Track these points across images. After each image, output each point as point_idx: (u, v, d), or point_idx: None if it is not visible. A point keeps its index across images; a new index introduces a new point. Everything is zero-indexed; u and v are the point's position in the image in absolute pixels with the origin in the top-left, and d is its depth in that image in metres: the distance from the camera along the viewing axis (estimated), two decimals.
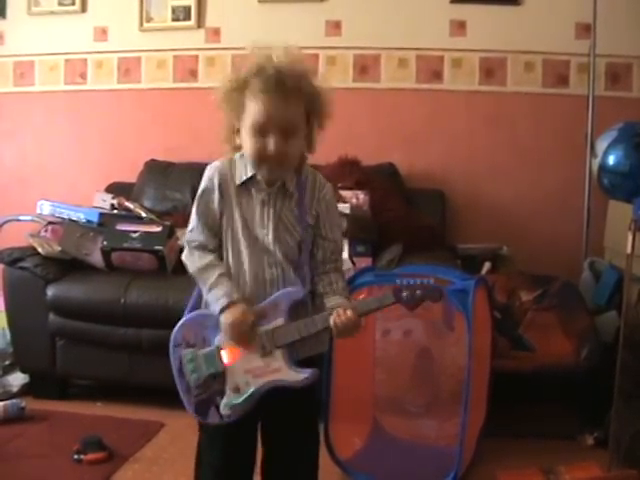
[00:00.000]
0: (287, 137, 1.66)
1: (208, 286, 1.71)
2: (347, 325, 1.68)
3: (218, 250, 1.76)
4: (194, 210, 1.78)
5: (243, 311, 1.68)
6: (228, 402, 1.72)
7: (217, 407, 1.73)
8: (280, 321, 1.71)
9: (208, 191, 1.75)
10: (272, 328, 1.71)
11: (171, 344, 1.78)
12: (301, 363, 1.73)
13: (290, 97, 1.65)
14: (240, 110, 1.69)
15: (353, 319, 1.68)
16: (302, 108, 1.68)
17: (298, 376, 1.71)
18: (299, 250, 1.75)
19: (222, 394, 1.73)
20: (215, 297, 1.69)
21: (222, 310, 1.68)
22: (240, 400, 1.71)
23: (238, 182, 1.73)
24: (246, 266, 1.72)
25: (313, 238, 1.78)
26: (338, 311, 1.69)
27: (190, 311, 1.81)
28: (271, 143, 1.65)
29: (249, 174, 1.72)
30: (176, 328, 1.78)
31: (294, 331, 1.70)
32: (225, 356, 1.73)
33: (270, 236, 1.72)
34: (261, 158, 1.68)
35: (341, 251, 1.87)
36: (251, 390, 1.71)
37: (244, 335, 1.69)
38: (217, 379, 1.73)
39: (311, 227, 1.77)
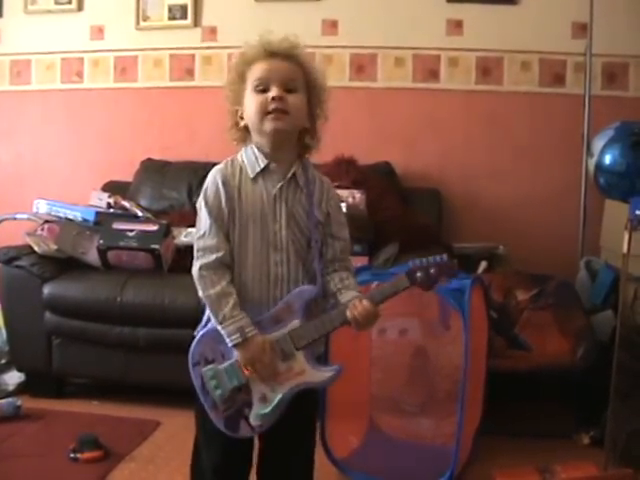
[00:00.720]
0: (288, 91, 1.68)
1: (219, 319, 1.66)
2: (365, 316, 1.66)
3: (230, 258, 1.70)
4: (203, 214, 1.72)
5: (258, 347, 1.66)
6: (257, 413, 1.69)
7: (247, 419, 1.70)
8: (296, 323, 1.68)
9: (214, 192, 1.71)
10: (289, 331, 1.68)
11: (190, 363, 1.74)
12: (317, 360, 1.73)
13: (288, 60, 1.71)
14: (242, 87, 1.71)
15: (370, 309, 1.66)
16: (300, 75, 1.72)
17: (323, 375, 1.71)
18: (308, 247, 1.74)
19: (250, 405, 1.70)
20: (227, 332, 1.66)
21: (235, 346, 1.66)
22: (269, 409, 1.69)
23: (252, 175, 1.71)
24: (250, 265, 1.70)
25: (323, 237, 1.76)
26: (354, 303, 1.66)
27: (204, 326, 1.76)
28: (273, 91, 1.67)
29: (262, 165, 1.71)
30: (192, 346, 1.74)
31: (312, 331, 1.68)
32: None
33: (283, 232, 1.70)
34: (264, 110, 1.67)
35: (350, 251, 1.84)
36: (279, 397, 1.68)
37: (265, 368, 1.67)
38: (242, 391, 1.70)
39: (321, 224, 1.75)
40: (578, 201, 3.67)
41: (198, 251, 1.72)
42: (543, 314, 3.07)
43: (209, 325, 1.73)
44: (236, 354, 1.68)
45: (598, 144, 3.37)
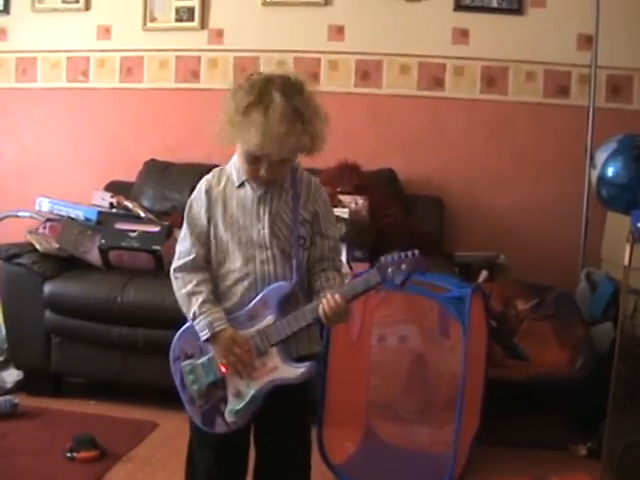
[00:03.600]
0: (279, 164, 1.67)
1: (191, 316, 1.73)
2: (336, 312, 1.66)
3: (203, 262, 1.76)
4: (184, 221, 1.80)
5: (227, 341, 1.69)
6: (232, 408, 1.72)
7: (222, 416, 1.73)
8: (270, 319, 1.70)
9: (196, 200, 1.78)
10: (264, 327, 1.70)
11: (171, 358, 1.79)
12: (297, 361, 1.73)
13: (289, 131, 1.62)
14: (239, 129, 1.65)
15: (341, 305, 1.66)
16: (299, 137, 1.64)
17: (296, 371, 1.71)
18: (293, 243, 1.74)
19: (225, 401, 1.73)
20: (198, 328, 1.71)
21: (207, 341, 1.71)
22: (242, 405, 1.71)
23: (237, 183, 1.75)
24: (236, 266, 1.73)
25: (311, 236, 1.78)
26: (326, 297, 1.67)
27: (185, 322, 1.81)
28: (262, 170, 1.67)
29: (243, 177, 1.75)
30: (173, 341, 1.79)
31: (285, 327, 1.69)
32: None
33: (266, 230, 1.73)
34: (253, 179, 1.72)
35: (339, 251, 1.87)
36: (252, 392, 1.71)
37: (239, 361, 1.70)
38: (218, 387, 1.73)
39: (307, 223, 1.76)
40: (580, 212, 3.67)
41: (176, 254, 1.80)
42: (542, 324, 3.07)
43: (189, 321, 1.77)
44: (211, 349, 1.73)
45: (601, 156, 3.37)
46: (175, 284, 1.78)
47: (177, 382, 1.77)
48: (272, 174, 1.68)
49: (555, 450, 2.77)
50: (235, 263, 1.74)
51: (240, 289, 1.73)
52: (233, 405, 1.72)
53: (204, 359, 1.74)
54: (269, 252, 1.73)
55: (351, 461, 2.59)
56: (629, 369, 2.45)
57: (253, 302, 1.71)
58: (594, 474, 2.44)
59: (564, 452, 2.77)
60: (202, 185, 1.79)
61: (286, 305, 1.72)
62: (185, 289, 1.74)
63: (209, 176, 1.80)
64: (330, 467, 2.52)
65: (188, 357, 1.76)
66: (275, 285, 1.72)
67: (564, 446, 2.80)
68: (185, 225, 1.79)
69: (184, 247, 1.78)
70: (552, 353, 2.91)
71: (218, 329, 1.69)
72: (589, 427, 2.76)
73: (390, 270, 1.67)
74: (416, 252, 1.68)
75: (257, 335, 1.70)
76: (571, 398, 2.88)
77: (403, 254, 1.68)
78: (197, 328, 1.71)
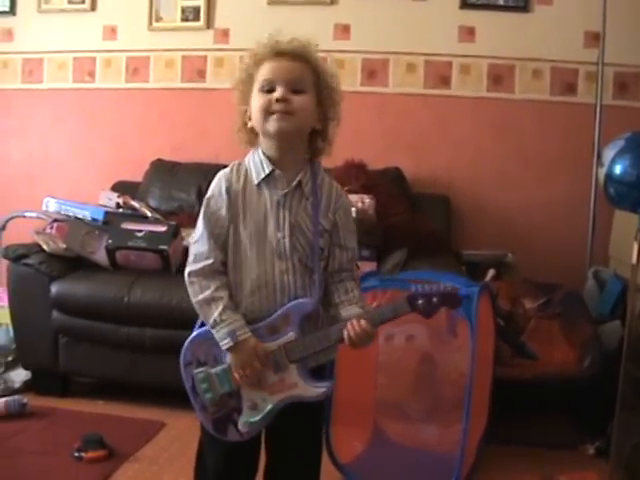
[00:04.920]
0: (295, 93, 1.64)
1: (211, 323, 1.66)
2: (361, 337, 1.62)
3: (221, 268, 1.69)
4: (200, 220, 1.71)
5: (251, 350, 1.64)
6: (246, 420, 1.69)
7: (235, 424, 1.70)
8: (292, 335, 1.65)
9: (215, 197, 1.69)
10: (284, 343, 1.66)
11: (181, 363, 1.73)
12: (312, 372, 1.70)
13: (296, 59, 1.66)
14: (249, 87, 1.68)
15: (367, 330, 1.62)
16: (309, 75, 1.67)
17: (316, 390, 1.68)
18: (312, 255, 1.69)
19: (239, 411, 1.69)
20: (219, 336, 1.65)
21: (228, 350, 1.65)
22: (258, 418, 1.68)
23: (256, 181, 1.67)
24: (254, 274, 1.66)
25: (329, 246, 1.72)
26: (352, 322, 1.62)
27: (199, 326, 1.75)
28: (277, 92, 1.63)
29: (267, 171, 1.67)
30: (185, 346, 1.73)
31: (307, 345, 1.65)
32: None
33: (287, 240, 1.66)
34: (268, 110, 1.64)
35: (356, 259, 1.80)
36: (269, 407, 1.68)
37: (252, 374, 1.66)
38: (232, 397, 1.69)
39: (327, 232, 1.71)
40: (587, 211, 3.66)
41: (190, 256, 1.71)
42: (550, 323, 3.07)
43: (205, 327, 1.71)
44: (229, 359, 1.68)
45: (608, 154, 3.35)
46: (191, 289, 1.69)
47: (188, 388, 1.73)
48: (287, 96, 1.63)
49: (563, 449, 2.77)
50: (253, 271, 1.67)
51: (258, 298, 1.67)
52: (248, 417, 1.69)
53: (219, 369, 1.69)
54: (289, 262, 1.67)
55: (359, 460, 2.59)
56: (637, 367, 2.45)
57: (274, 316, 1.66)
58: (602, 473, 2.44)
59: (572, 451, 2.76)
60: (222, 181, 1.69)
61: (307, 321, 1.68)
62: (203, 295, 1.66)
63: (227, 171, 1.71)
64: (337, 466, 2.51)
65: (201, 364, 1.71)
66: (299, 302, 1.66)
67: (572, 445, 2.79)
68: (202, 225, 1.69)
69: (200, 250, 1.68)
70: (560, 352, 2.91)
71: (241, 338, 1.63)
72: (597, 426, 2.75)
73: (420, 302, 1.64)
74: (449, 286, 1.64)
75: (277, 350, 1.66)
76: (579, 397, 2.86)
77: (436, 287, 1.64)
78: (217, 336, 1.65)
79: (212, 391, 1.70)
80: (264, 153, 1.69)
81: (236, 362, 1.66)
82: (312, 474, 1.85)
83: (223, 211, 1.67)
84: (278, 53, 1.67)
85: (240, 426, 1.69)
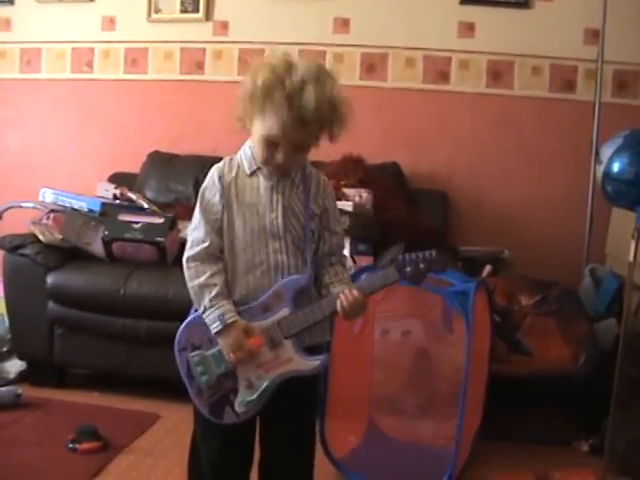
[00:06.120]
0: (296, 151, 1.67)
1: (202, 309, 1.70)
2: (354, 306, 1.67)
3: (217, 252, 1.73)
4: (197, 209, 1.76)
5: (239, 333, 1.67)
6: (243, 399, 1.71)
7: (232, 406, 1.72)
8: (286, 311, 1.69)
9: (209, 187, 1.75)
10: (278, 319, 1.70)
11: (176, 349, 1.75)
12: (307, 351, 1.73)
13: (308, 120, 1.62)
14: (259, 111, 1.66)
15: (359, 299, 1.67)
16: (317, 130, 1.67)
17: (311, 364, 1.71)
18: (305, 236, 1.75)
19: (235, 392, 1.72)
20: (209, 321, 1.69)
21: (217, 333, 1.69)
22: (255, 396, 1.70)
23: (248, 172, 1.73)
24: (249, 253, 1.71)
25: (320, 230, 1.78)
26: (344, 292, 1.68)
27: (194, 312, 1.78)
28: (280, 156, 1.66)
29: (256, 166, 1.74)
30: (179, 332, 1.76)
31: (302, 319, 1.70)
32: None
33: (280, 220, 1.71)
34: (267, 164, 1.70)
35: (344, 246, 1.88)
36: (265, 384, 1.70)
37: (244, 355, 1.68)
38: (228, 378, 1.72)
39: (317, 217, 1.77)
40: (585, 208, 3.66)
41: (188, 244, 1.76)
42: (546, 320, 3.07)
43: (198, 312, 1.74)
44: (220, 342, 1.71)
45: (607, 152, 3.34)
46: (187, 274, 1.74)
47: (183, 373, 1.75)
48: (288, 160, 1.66)
49: (557, 446, 2.78)
50: (247, 252, 1.72)
51: (252, 278, 1.72)
52: (244, 396, 1.71)
53: (214, 350, 1.72)
54: (282, 242, 1.72)
55: (353, 455, 2.59)
56: (632, 365, 2.45)
57: (267, 294, 1.70)
58: (596, 470, 2.44)
59: (566, 448, 2.77)
60: (214, 172, 1.75)
61: (299, 298, 1.71)
62: (198, 280, 1.71)
63: (220, 164, 1.77)
64: (332, 461, 2.52)
65: (195, 347, 1.73)
66: (290, 278, 1.71)
67: (567, 442, 2.80)
68: (198, 213, 1.75)
69: (197, 236, 1.73)
70: (555, 349, 2.91)
71: (229, 321, 1.67)
72: (592, 423, 2.76)
73: (408, 269, 1.69)
74: (433, 252, 1.70)
75: (272, 327, 1.70)
76: (574, 394, 2.87)
77: (421, 253, 1.70)
78: (207, 321, 1.69)
79: (208, 373, 1.72)
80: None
81: (226, 345, 1.69)
82: (306, 463, 1.86)
83: (217, 198, 1.73)
84: (296, 117, 1.61)
85: (237, 406, 1.71)
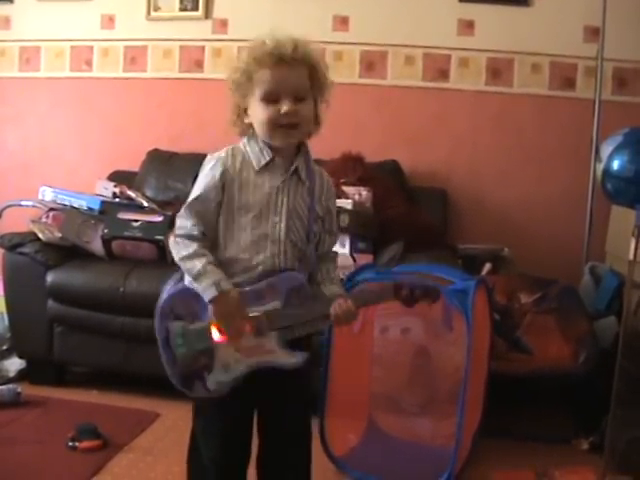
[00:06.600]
0: (298, 100, 1.67)
1: (194, 275, 1.67)
2: (346, 314, 1.71)
3: (205, 239, 1.71)
4: (192, 197, 1.73)
5: (233, 302, 1.66)
6: (217, 379, 1.71)
7: (203, 382, 1.71)
8: (277, 304, 1.70)
9: (208, 183, 1.72)
10: (269, 310, 1.70)
11: (157, 314, 1.73)
12: (291, 343, 1.73)
13: (294, 65, 1.68)
14: (248, 87, 1.69)
15: (352, 310, 1.72)
16: (307, 77, 1.70)
17: (290, 359, 1.72)
18: (307, 240, 1.75)
19: (209, 369, 1.71)
20: (202, 287, 1.66)
21: (211, 301, 1.66)
22: (229, 378, 1.70)
23: (257, 168, 1.72)
24: (247, 255, 1.70)
25: (321, 232, 1.80)
26: (339, 301, 1.71)
27: (177, 281, 1.77)
28: (284, 106, 1.65)
29: (267, 158, 1.72)
30: (164, 298, 1.75)
31: (291, 316, 1.71)
32: (216, 333, 1.70)
33: (283, 224, 1.71)
34: (275, 123, 1.67)
35: (336, 243, 1.92)
36: (240, 369, 1.70)
37: (236, 325, 1.68)
38: (205, 355, 1.71)
39: (320, 219, 1.78)
40: (585, 206, 3.66)
41: (177, 226, 1.74)
42: (546, 318, 3.07)
43: (185, 282, 1.73)
44: (209, 316, 1.69)
45: (606, 149, 3.34)
46: (175, 249, 1.72)
47: (160, 340, 1.73)
48: (293, 110, 1.66)
49: (557, 444, 2.77)
50: (245, 252, 1.71)
51: (246, 278, 1.71)
52: (218, 376, 1.70)
53: (199, 325, 1.70)
54: (281, 246, 1.72)
55: (353, 453, 2.59)
56: (632, 363, 2.45)
57: (262, 283, 1.70)
58: (596, 468, 2.44)
59: (566, 446, 2.77)
60: (216, 165, 1.72)
61: (293, 295, 1.72)
62: (187, 251, 1.68)
63: (222, 155, 1.74)
64: (331, 459, 2.52)
65: (178, 318, 1.71)
66: (288, 274, 1.72)
67: (566, 440, 2.80)
68: (190, 203, 1.72)
69: (185, 224, 1.71)
70: (555, 347, 2.91)
71: (225, 288, 1.65)
72: (592, 421, 2.76)
73: (404, 292, 1.74)
74: (431, 283, 1.80)
75: (261, 316, 1.70)
76: (574, 392, 2.87)
77: (420, 281, 1.79)
78: (201, 287, 1.66)
79: (186, 346, 1.71)
80: (263, 141, 1.73)
81: (218, 313, 1.67)
82: (303, 457, 1.87)
83: (213, 194, 1.71)
84: (280, 59, 1.67)
85: (209, 384, 1.71)
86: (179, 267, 1.74)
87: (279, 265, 1.72)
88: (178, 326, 1.72)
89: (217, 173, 1.71)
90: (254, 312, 1.70)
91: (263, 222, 1.71)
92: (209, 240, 1.72)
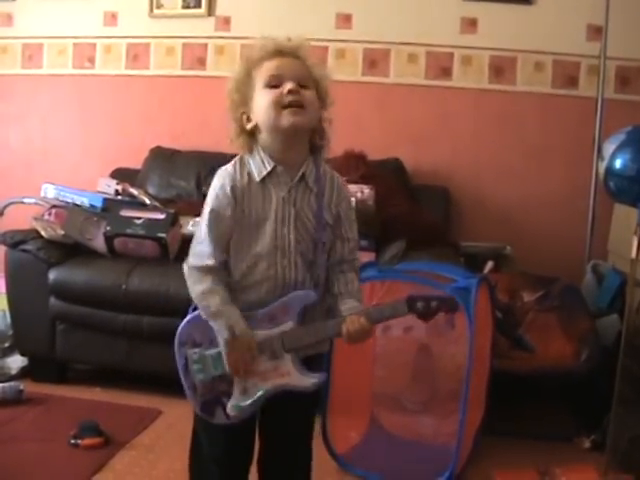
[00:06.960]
0: (302, 86, 1.65)
1: (209, 315, 1.67)
2: (360, 333, 1.65)
3: (220, 269, 1.68)
4: (204, 220, 1.69)
5: (245, 346, 1.65)
6: (236, 404, 1.69)
7: (223, 407, 1.70)
8: (290, 324, 1.67)
9: (220, 198, 1.67)
10: (282, 332, 1.67)
11: (176, 342, 1.74)
12: (306, 361, 1.71)
13: (297, 58, 1.68)
14: (249, 87, 1.67)
15: (366, 327, 1.65)
16: (309, 72, 1.69)
17: (308, 381, 1.69)
18: (315, 250, 1.70)
19: (229, 395, 1.70)
20: (217, 327, 1.67)
21: (224, 344, 1.67)
22: (248, 402, 1.69)
23: (258, 178, 1.67)
24: (257, 271, 1.67)
25: (332, 239, 1.74)
26: (352, 318, 1.65)
27: (195, 309, 1.75)
28: (287, 86, 1.63)
29: (269, 168, 1.67)
30: (182, 326, 1.74)
31: (304, 336, 1.67)
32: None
33: (292, 236, 1.67)
34: (280, 103, 1.63)
35: (357, 248, 1.82)
36: (260, 393, 1.68)
37: (247, 367, 1.67)
38: (224, 380, 1.70)
39: (329, 227, 1.72)
40: (587, 204, 3.66)
41: (192, 251, 1.71)
42: (548, 316, 3.07)
43: (201, 313, 1.72)
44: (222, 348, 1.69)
45: (609, 148, 3.35)
46: (189, 280, 1.70)
47: (180, 367, 1.74)
48: (297, 89, 1.63)
49: (559, 442, 2.77)
50: (256, 266, 1.67)
51: (258, 292, 1.68)
52: (237, 401, 1.69)
53: (214, 351, 1.70)
54: (292, 257, 1.68)
55: (355, 451, 2.59)
56: (634, 362, 2.45)
57: (273, 304, 1.67)
58: (598, 467, 2.44)
59: (568, 444, 2.76)
60: (225, 181, 1.67)
61: (306, 313, 1.69)
62: (201, 287, 1.66)
63: (230, 169, 1.69)
64: (334, 456, 2.52)
65: (196, 345, 1.72)
66: (300, 293, 1.68)
67: (568, 438, 2.79)
68: (205, 226, 1.67)
69: (204, 250, 1.67)
70: (557, 345, 2.91)
71: (239, 333, 1.64)
72: (593, 420, 2.76)
73: (419, 305, 1.68)
74: (447, 293, 1.74)
75: (275, 338, 1.67)
76: (576, 390, 2.87)
77: (436, 295, 1.71)
78: (215, 326, 1.66)
79: (204, 372, 1.71)
80: (264, 150, 1.69)
81: (230, 357, 1.67)
82: (305, 458, 1.87)
83: (228, 211, 1.66)
84: (279, 52, 1.67)
85: (228, 409, 1.70)
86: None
87: (290, 277, 1.68)
88: (195, 353, 1.71)
89: (228, 189, 1.66)
90: (268, 334, 1.67)
91: (272, 234, 1.67)
92: (224, 266, 1.69)
